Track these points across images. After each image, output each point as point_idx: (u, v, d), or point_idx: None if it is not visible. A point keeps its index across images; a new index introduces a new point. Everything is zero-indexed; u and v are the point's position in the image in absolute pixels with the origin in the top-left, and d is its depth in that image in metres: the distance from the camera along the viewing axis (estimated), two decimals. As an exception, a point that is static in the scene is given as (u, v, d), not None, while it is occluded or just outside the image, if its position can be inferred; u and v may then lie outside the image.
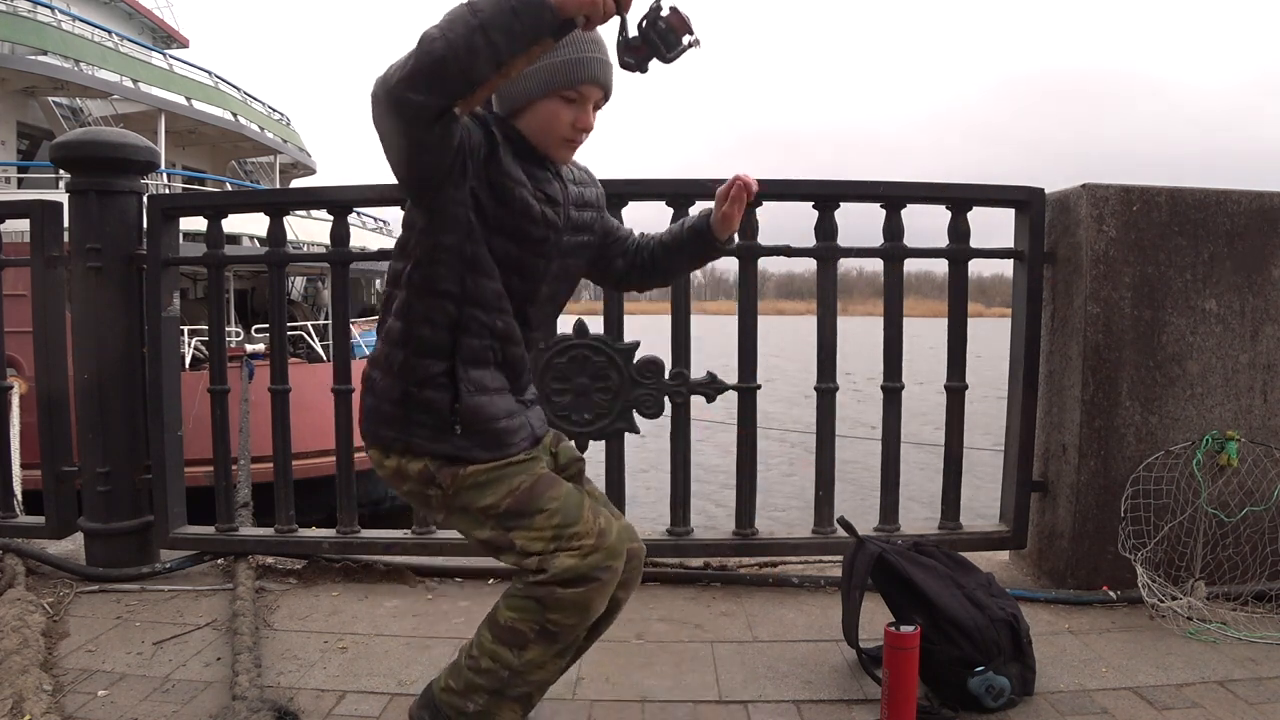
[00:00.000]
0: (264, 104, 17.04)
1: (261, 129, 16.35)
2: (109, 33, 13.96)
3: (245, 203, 3.14)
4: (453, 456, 1.39)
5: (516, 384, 1.49)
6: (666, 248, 1.69)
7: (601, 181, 2.51)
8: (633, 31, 1.27)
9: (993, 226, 2.65)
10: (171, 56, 15.46)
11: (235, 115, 15.65)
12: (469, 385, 1.38)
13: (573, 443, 1.67)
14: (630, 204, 2.51)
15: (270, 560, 2.66)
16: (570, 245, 1.52)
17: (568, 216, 1.48)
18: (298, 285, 14.51)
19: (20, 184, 11.87)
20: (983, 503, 3.36)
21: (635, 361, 2.50)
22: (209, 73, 15.57)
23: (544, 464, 1.48)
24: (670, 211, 2.50)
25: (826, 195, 2.51)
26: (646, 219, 2.62)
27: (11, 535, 2.65)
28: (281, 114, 18.01)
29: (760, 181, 2.52)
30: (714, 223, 1.61)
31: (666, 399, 2.52)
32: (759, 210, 2.50)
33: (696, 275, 2.29)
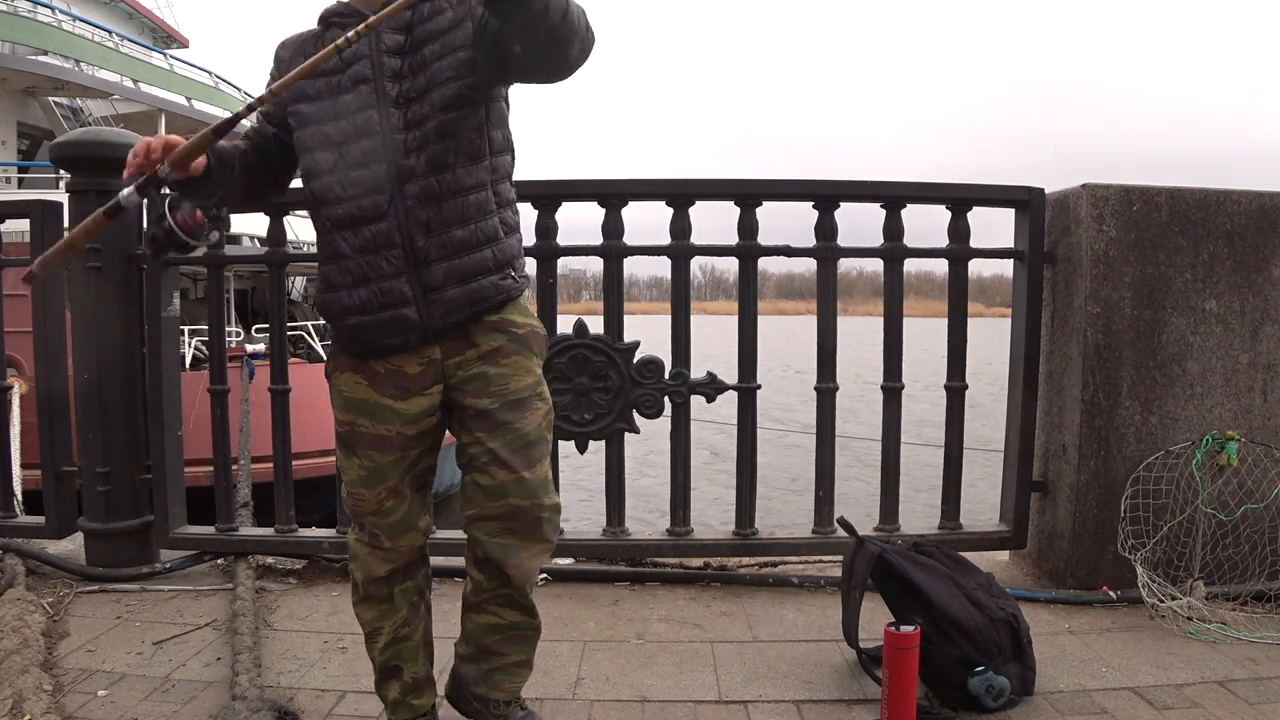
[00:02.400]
0: (264, 104, 17.01)
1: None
2: (109, 33, 13.95)
3: (245, 203, 3.12)
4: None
5: (381, 268, 1.42)
6: None
7: (601, 181, 2.51)
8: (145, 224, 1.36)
9: (993, 226, 2.65)
10: (172, 56, 15.45)
11: (235, 115, 15.63)
12: (321, 282, 1.50)
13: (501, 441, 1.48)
14: (630, 203, 2.51)
15: (270, 560, 2.66)
16: (417, 85, 1.41)
17: (379, 64, 1.42)
18: (298, 285, 14.49)
19: (20, 184, 11.86)
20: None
21: (635, 361, 2.50)
22: (209, 73, 15.56)
23: (399, 421, 1.48)
24: (670, 212, 2.50)
25: (826, 195, 2.51)
26: (647, 219, 2.63)
27: (11, 535, 2.65)
28: (282, 114, 17.97)
29: (760, 181, 2.54)
30: None
31: (666, 399, 2.52)
32: (759, 210, 2.50)
33: (696, 275, 2.29)
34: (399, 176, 1.40)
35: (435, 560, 2.55)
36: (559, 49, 1.31)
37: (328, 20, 1.51)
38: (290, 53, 1.52)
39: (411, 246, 1.42)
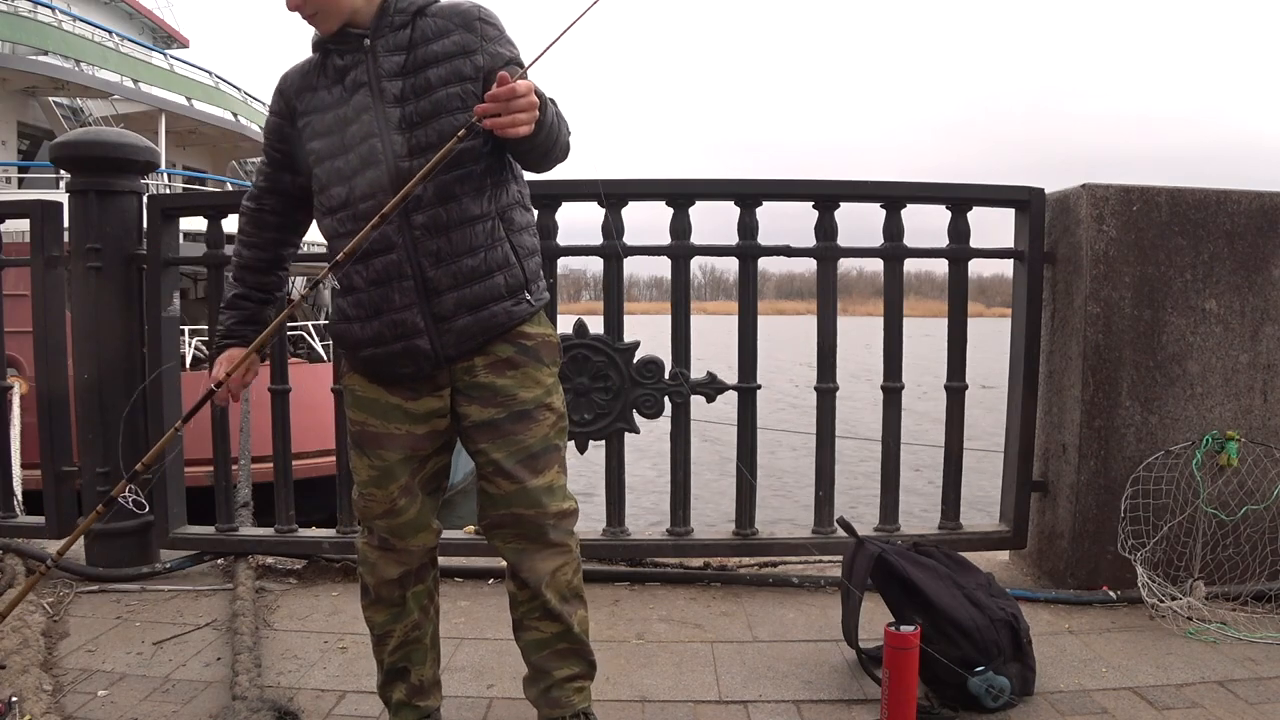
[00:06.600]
0: (264, 104, 17.03)
1: (262, 129, 16.34)
2: (109, 33, 13.97)
3: (245, 203, 3.12)
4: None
5: (393, 300, 1.42)
6: None
7: (602, 181, 2.50)
8: None
9: (993, 226, 2.65)
10: (172, 56, 15.46)
11: (235, 115, 15.64)
12: (336, 313, 1.53)
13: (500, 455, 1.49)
14: (630, 203, 2.51)
15: (270, 560, 2.66)
16: (421, 110, 1.40)
17: (379, 90, 1.40)
18: (298, 285, 14.49)
19: (20, 184, 11.86)
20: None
21: (635, 361, 2.50)
22: (209, 73, 15.57)
23: (408, 421, 1.49)
24: (670, 212, 2.50)
25: (826, 195, 2.51)
26: (646, 218, 2.62)
27: (11, 535, 2.65)
28: (281, 114, 17.97)
29: (760, 182, 2.54)
30: None
31: (666, 399, 2.52)
32: (759, 210, 2.50)
33: (696, 275, 2.29)
34: (405, 206, 1.38)
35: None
36: (549, 165, 1.52)
37: (324, 47, 1.47)
38: (294, 86, 1.50)
39: (422, 277, 1.42)
